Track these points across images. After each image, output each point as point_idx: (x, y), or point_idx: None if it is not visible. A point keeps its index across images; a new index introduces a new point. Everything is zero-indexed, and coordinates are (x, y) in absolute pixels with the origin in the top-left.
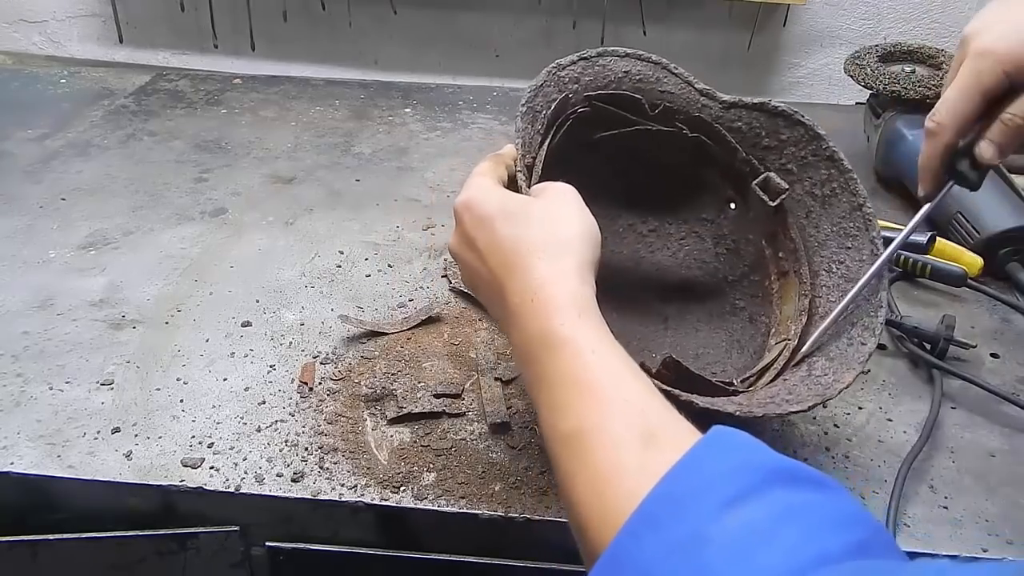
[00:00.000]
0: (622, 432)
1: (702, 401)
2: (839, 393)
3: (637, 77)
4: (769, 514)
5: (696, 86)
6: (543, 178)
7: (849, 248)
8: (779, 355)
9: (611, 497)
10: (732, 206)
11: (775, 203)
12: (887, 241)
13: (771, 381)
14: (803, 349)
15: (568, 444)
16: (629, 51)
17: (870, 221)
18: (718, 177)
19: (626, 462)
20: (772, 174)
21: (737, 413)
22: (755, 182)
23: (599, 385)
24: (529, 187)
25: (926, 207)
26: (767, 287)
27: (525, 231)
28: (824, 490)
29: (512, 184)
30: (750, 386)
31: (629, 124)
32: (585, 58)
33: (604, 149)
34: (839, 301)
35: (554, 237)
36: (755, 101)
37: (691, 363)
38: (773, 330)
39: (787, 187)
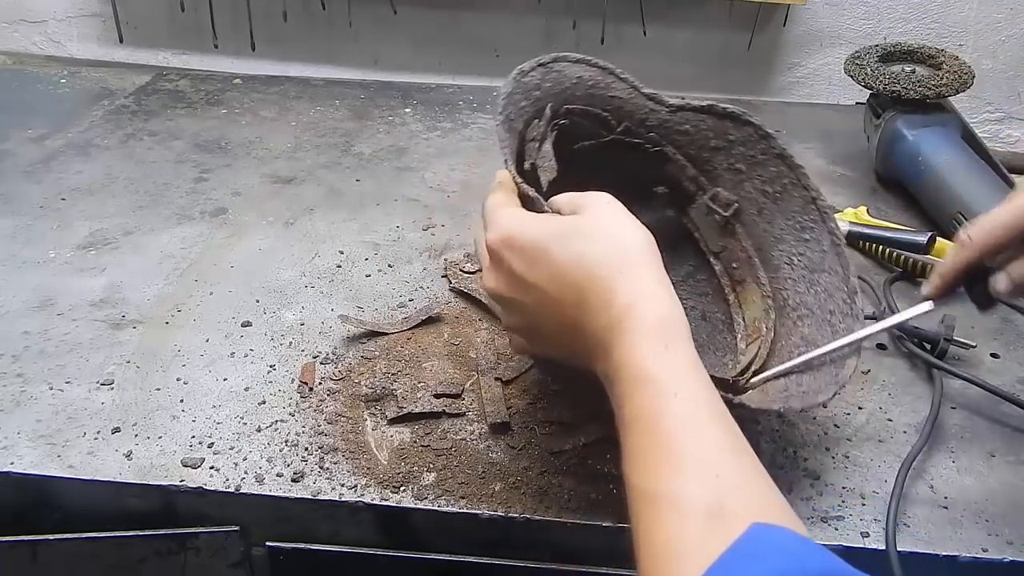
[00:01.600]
0: (690, 504)
1: (754, 402)
2: (848, 379)
3: (589, 83)
4: None
5: (643, 91)
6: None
7: (807, 240)
8: (756, 354)
9: (668, 575)
10: (660, 189)
11: (727, 214)
12: (857, 238)
13: (756, 383)
14: (781, 368)
15: (639, 503)
16: (580, 57)
17: (826, 213)
18: (667, 189)
19: (687, 544)
20: (720, 189)
21: (781, 409)
22: (706, 196)
23: (673, 439)
24: (541, 196)
25: (924, 306)
26: (716, 285)
27: (589, 250)
28: None
29: (526, 205)
30: (740, 385)
31: (598, 136)
32: (543, 64)
33: (575, 159)
34: (808, 291)
35: (622, 250)
36: (702, 104)
37: None
38: (741, 334)
39: (736, 200)
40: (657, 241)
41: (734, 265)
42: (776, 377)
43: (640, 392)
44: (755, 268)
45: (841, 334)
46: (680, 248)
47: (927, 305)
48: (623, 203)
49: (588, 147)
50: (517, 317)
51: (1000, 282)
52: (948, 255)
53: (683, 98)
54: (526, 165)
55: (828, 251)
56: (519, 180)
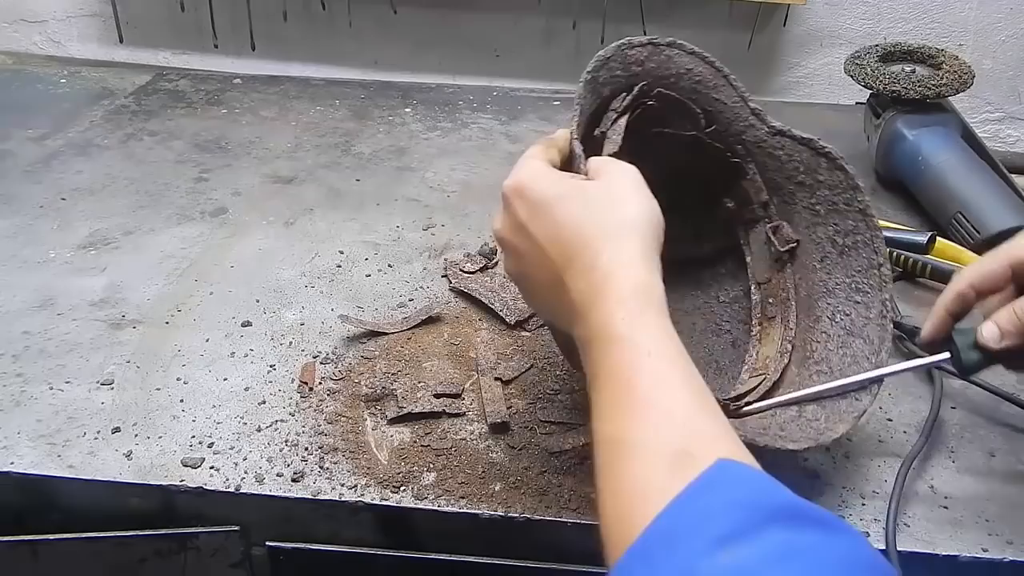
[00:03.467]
0: (655, 449)
1: (766, 443)
2: (830, 441)
3: (697, 78)
4: (763, 555)
5: (749, 104)
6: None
7: (858, 303)
8: (753, 389)
9: (629, 516)
10: (728, 203)
11: (784, 249)
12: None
13: (747, 412)
14: (781, 398)
15: (606, 450)
16: (696, 49)
17: (885, 283)
18: (735, 204)
19: (652, 483)
20: (785, 223)
21: (792, 447)
22: (769, 225)
23: (645, 392)
24: (586, 160)
25: (916, 363)
26: (751, 322)
27: (586, 214)
28: (832, 532)
29: (567, 166)
30: (729, 410)
31: (682, 129)
32: (654, 43)
33: (654, 145)
34: (837, 351)
35: (617, 220)
36: (803, 136)
37: None
38: (748, 365)
39: (798, 239)
40: (722, 258)
41: (770, 300)
42: (768, 409)
43: (614, 351)
44: (789, 310)
45: (849, 402)
46: (739, 272)
47: (916, 363)
48: (683, 202)
49: (668, 136)
50: (514, 264)
51: (986, 330)
52: (941, 297)
53: (785, 125)
54: (596, 132)
55: (873, 319)
56: (575, 137)
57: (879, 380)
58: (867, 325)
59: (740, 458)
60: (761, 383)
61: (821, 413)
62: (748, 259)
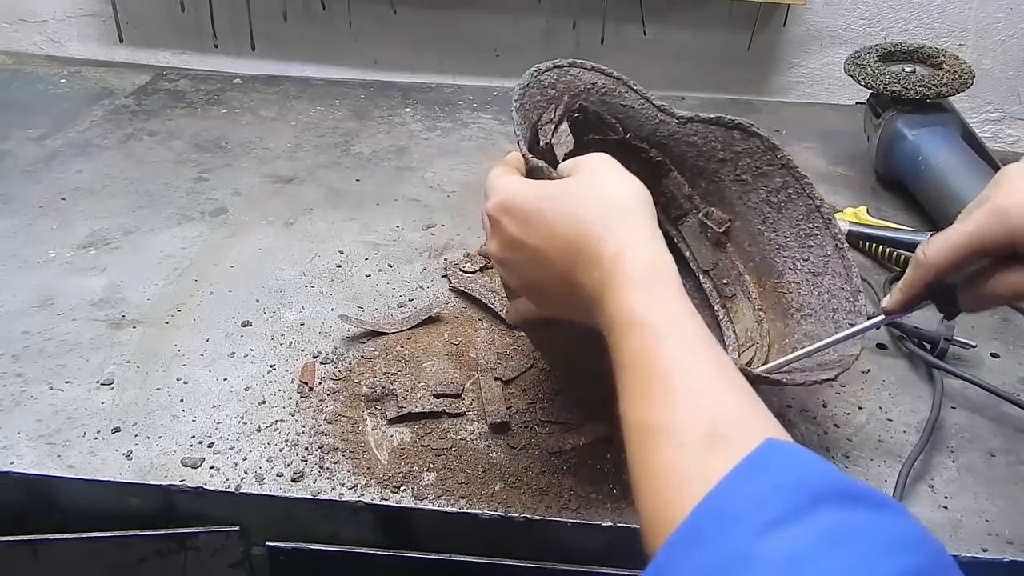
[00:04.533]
0: (686, 431)
1: (762, 369)
2: (851, 363)
3: (603, 90)
4: (815, 536)
5: (654, 102)
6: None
7: (812, 246)
8: (751, 360)
9: (669, 502)
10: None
11: (721, 231)
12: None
13: (762, 368)
14: (778, 362)
15: (635, 437)
16: (595, 65)
17: (829, 220)
18: (662, 202)
19: (687, 465)
20: (714, 208)
21: (784, 381)
22: (700, 213)
23: (668, 375)
24: (556, 169)
25: (880, 319)
26: (702, 300)
27: (579, 207)
28: (880, 510)
29: (534, 175)
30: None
31: (606, 135)
32: (559, 66)
33: (588, 152)
34: (811, 293)
35: (611, 206)
36: (711, 116)
37: None
38: (732, 346)
39: (729, 218)
40: (672, 247)
41: (724, 281)
42: (778, 368)
43: (633, 336)
44: (745, 283)
45: (844, 327)
46: (682, 268)
47: (879, 319)
48: None
49: (597, 142)
50: (519, 278)
51: (962, 301)
52: (907, 272)
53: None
54: (542, 143)
55: (832, 255)
56: (529, 155)
57: (863, 330)
58: (828, 261)
59: (774, 433)
60: (756, 352)
61: (829, 351)
62: (687, 253)
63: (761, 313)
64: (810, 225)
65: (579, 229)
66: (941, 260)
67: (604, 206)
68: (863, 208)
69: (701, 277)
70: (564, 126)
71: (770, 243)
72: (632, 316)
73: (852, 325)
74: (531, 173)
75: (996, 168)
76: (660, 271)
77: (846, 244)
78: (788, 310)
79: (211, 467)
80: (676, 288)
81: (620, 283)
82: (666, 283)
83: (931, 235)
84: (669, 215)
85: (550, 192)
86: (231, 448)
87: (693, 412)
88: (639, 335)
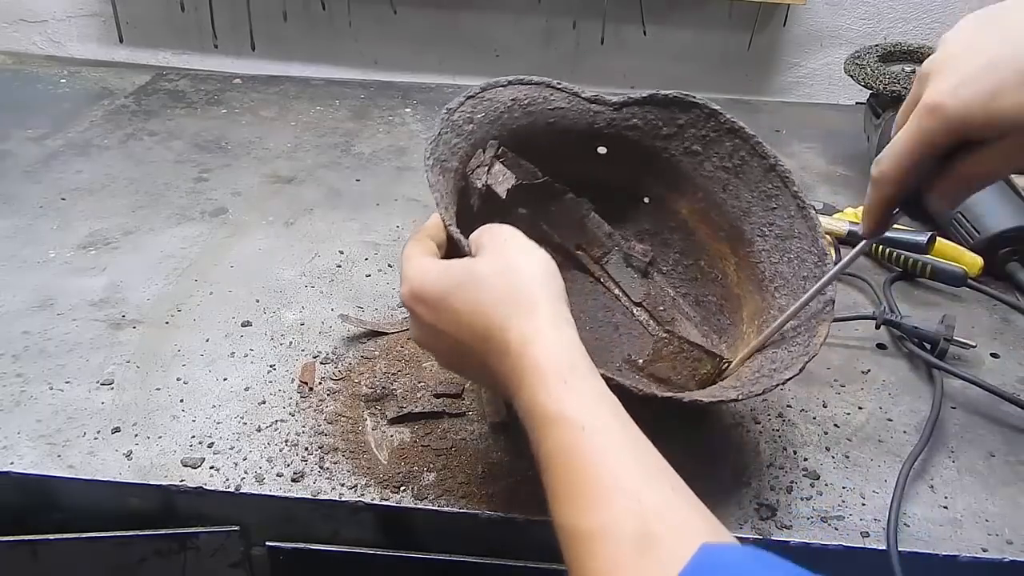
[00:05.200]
0: (616, 535)
1: (705, 396)
2: (820, 346)
3: (525, 102)
4: None
5: (583, 95)
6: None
7: (774, 208)
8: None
9: None
10: (645, 200)
11: (646, 261)
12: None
13: (738, 359)
14: (756, 344)
15: (567, 542)
16: (513, 78)
17: (786, 178)
18: (584, 247)
19: (621, 571)
20: (634, 241)
21: (740, 397)
22: (624, 248)
23: (590, 473)
24: (466, 240)
25: (862, 244)
26: (703, 268)
27: (483, 295)
28: None
29: (451, 252)
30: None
31: (531, 179)
32: (472, 96)
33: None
34: (781, 260)
35: (514, 290)
36: (644, 95)
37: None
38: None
39: (651, 248)
40: (641, 233)
41: (660, 309)
42: (754, 353)
43: (549, 432)
44: (680, 305)
45: (814, 299)
46: (665, 235)
47: (862, 244)
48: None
49: (525, 187)
50: (444, 360)
51: (934, 203)
52: (868, 193)
53: (624, 95)
54: (479, 185)
55: (795, 215)
56: (448, 223)
57: (834, 277)
58: (793, 222)
59: (698, 518)
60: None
61: (802, 327)
62: (616, 291)
63: (707, 328)
64: (769, 186)
65: (485, 319)
66: (895, 172)
67: (507, 292)
68: (863, 208)
69: (635, 310)
70: (499, 166)
71: (734, 210)
72: (546, 410)
73: (823, 294)
74: (450, 243)
75: None
76: (569, 359)
77: (808, 201)
78: (763, 282)
79: (211, 467)
80: (587, 373)
81: (528, 378)
82: (576, 371)
83: (932, 235)
84: (592, 255)
85: (456, 278)
86: (231, 448)
87: (621, 513)
88: (556, 432)
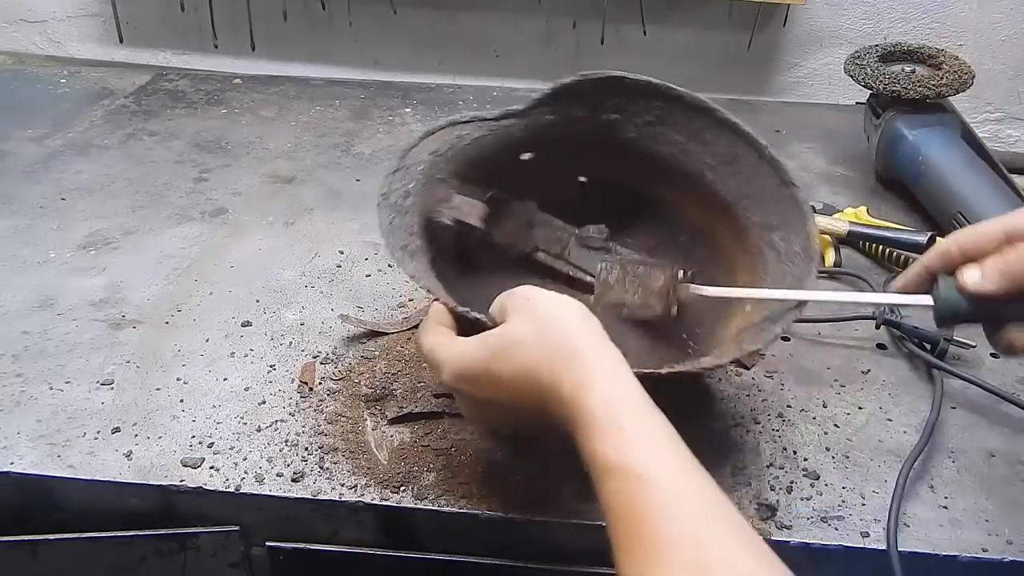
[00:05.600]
0: None
1: (715, 361)
2: (818, 245)
3: (444, 150)
4: None
5: (489, 116)
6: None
7: (738, 172)
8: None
9: None
10: (539, 256)
11: (603, 237)
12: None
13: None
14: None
15: None
16: (423, 134)
17: (757, 143)
18: (543, 249)
19: None
20: (587, 225)
21: (740, 355)
22: (576, 234)
23: (651, 524)
24: (486, 313)
25: (897, 299)
26: (670, 220)
27: (527, 354)
28: None
29: (465, 326)
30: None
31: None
32: (396, 171)
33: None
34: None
35: (557, 343)
36: (552, 87)
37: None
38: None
39: (604, 225)
40: (630, 219)
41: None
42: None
43: (608, 481)
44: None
45: (784, 202)
46: (640, 222)
47: (883, 296)
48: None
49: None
50: (503, 427)
51: (969, 276)
52: (928, 256)
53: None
54: (447, 222)
55: (745, 153)
56: (453, 306)
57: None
58: (734, 146)
59: (759, 559)
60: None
61: (788, 235)
62: (586, 278)
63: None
64: (735, 150)
65: (534, 377)
66: (964, 238)
67: (550, 346)
68: (863, 208)
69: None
70: (457, 198)
71: (704, 173)
72: (604, 460)
73: (792, 198)
74: (462, 322)
75: (996, 168)
76: (621, 400)
77: (786, 168)
78: (729, 208)
79: (211, 467)
80: (642, 415)
81: (584, 426)
82: (632, 413)
83: (931, 235)
84: (552, 253)
85: (493, 348)
86: (231, 448)
87: (684, 566)
88: (614, 481)
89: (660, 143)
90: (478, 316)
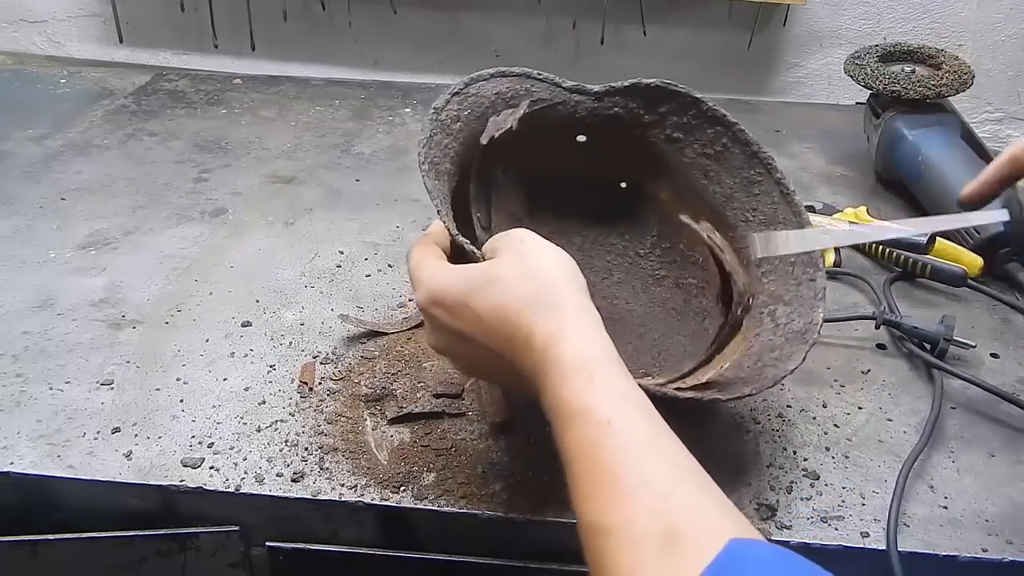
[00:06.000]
0: (641, 532)
1: (708, 397)
2: (818, 334)
3: (508, 95)
4: None
5: (564, 85)
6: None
7: (758, 195)
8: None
9: None
10: (622, 185)
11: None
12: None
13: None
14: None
15: (590, 537)
16: (496, 71)
17: (770, 164)
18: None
19: (647, 571)
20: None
21: (752, 392)
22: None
23: (615, 468)
24: (477, 246)
25: (971, 218)
26: (682, 251)
27: (505, 296)
28: None
29: (457, 259)
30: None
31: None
32: (456, 93)
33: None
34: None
35: (537, 290)
36: (625, 84)
37: (641, 342)
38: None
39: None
40: (616, 214)
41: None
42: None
43: (573, 426)
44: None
45: (804, 284)
46: (643, 217)
47: (992, 216)
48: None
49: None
50: (465, 365)
51: None
52: (998, 162)
53: (606, 85)
54: (483, 140)
55: (779, 202)
56: (455, 232)
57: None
58: (777, 209)
59: (732, 525)
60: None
61: (793, 312)
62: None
63: (687, 310)
64: (752, 172)
65: (507, 319)
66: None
67: (530, 291)
68: (863, 208)
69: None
70: (503, 116)
71: (717, 196)
72: (570, 406)
73: (811, 279)
74: (456, 251)
75: None
76: (596, 355)
77: (792, 187)
78: (749, 266)
79: (211, 467)
80: (613, 371)
81: (553, 372)
82: (601, 366)
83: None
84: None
85: (476, 280)
86: (231, 448)
87: (647, 510)
88: (580, 426)
89: (676, 150)
90: (473, 250)
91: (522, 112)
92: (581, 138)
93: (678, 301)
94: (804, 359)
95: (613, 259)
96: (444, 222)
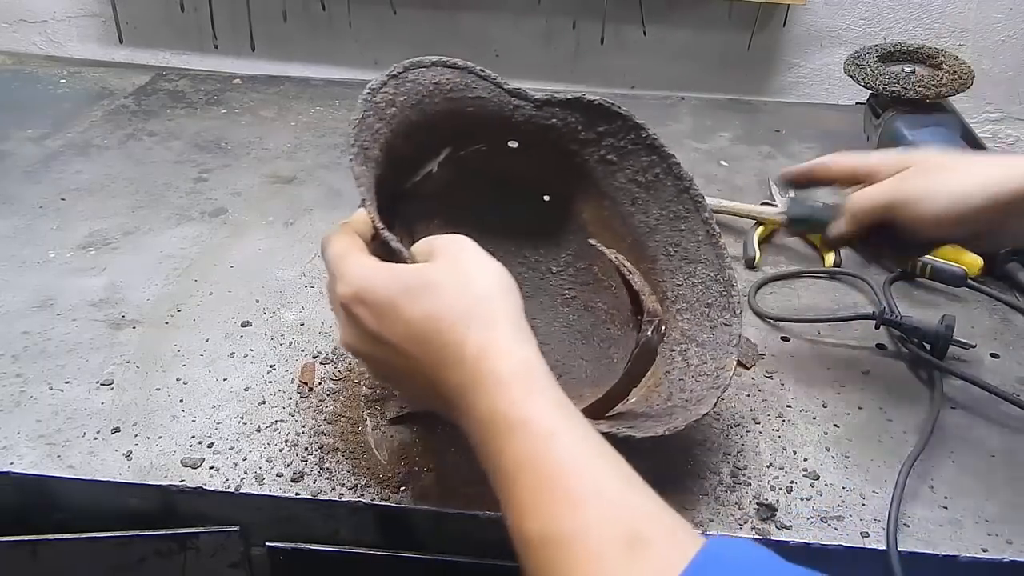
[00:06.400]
0: (602, 537)
1: (640, 433)
2: (729, 382)
3: (447, 87)
4: None
5: (506, 87)
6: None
7: (683, 230)
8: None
9: None
10: (546, 198)
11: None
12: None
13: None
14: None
15: (539, 552)
16: (437, 59)
17: (699, 202)
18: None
19: (611, 572)
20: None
21: (664, 432)
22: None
23: (565, 476)
24: (399, 242)
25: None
26: (596, 275)
27: (439, 303)
28: None
29: (378, 252)
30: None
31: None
32: (394, 76)
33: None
34: (685, 284)
35: (473, 300)
36: (568, 97)
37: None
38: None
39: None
40: (535, 226)
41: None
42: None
43: (516, 439)
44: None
45: (719, 328)
46: (562, 234)
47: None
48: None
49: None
50: (379, 371)
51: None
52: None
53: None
54: (419, 178)
55: (703, 241)
56: (380, 227)
57: (720, 256)
58: (700, 247)
59: (683, 523)
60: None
61: (705, 354)
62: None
63: (592, 337)
64: (680, 207)
65: (438, 328)
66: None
67: (464, 303)
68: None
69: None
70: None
71: (641, 225)
72: (510, 417)
73: (727, 324)
74: (382, 247)
75: None
76: (529, 369)
77: (718, 229)
78: (664, 301)
79: (211, 467)
80: (549, 385)
81: (486, 384)
82: (537, 381)
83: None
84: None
85: (408, 284)
86: (231, 448)
87: (603, 516)
88: (521, 437)
89: (607, 172)
90: (401, 248)
91: (443, 157)
92: (513, 144)
93: (585, 324)
94: (715, 404)
95: (524, 271)
96: (369, 213)
